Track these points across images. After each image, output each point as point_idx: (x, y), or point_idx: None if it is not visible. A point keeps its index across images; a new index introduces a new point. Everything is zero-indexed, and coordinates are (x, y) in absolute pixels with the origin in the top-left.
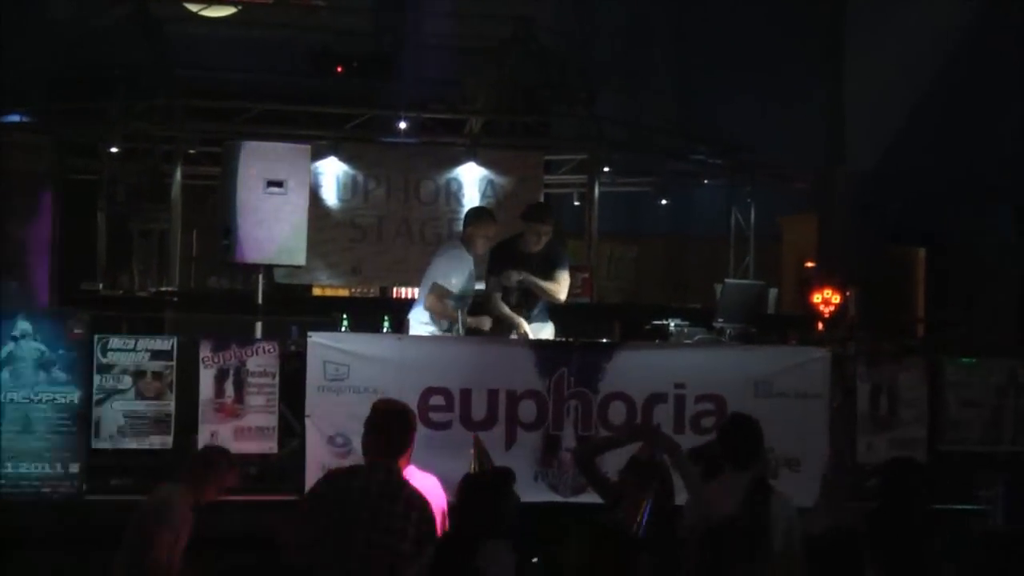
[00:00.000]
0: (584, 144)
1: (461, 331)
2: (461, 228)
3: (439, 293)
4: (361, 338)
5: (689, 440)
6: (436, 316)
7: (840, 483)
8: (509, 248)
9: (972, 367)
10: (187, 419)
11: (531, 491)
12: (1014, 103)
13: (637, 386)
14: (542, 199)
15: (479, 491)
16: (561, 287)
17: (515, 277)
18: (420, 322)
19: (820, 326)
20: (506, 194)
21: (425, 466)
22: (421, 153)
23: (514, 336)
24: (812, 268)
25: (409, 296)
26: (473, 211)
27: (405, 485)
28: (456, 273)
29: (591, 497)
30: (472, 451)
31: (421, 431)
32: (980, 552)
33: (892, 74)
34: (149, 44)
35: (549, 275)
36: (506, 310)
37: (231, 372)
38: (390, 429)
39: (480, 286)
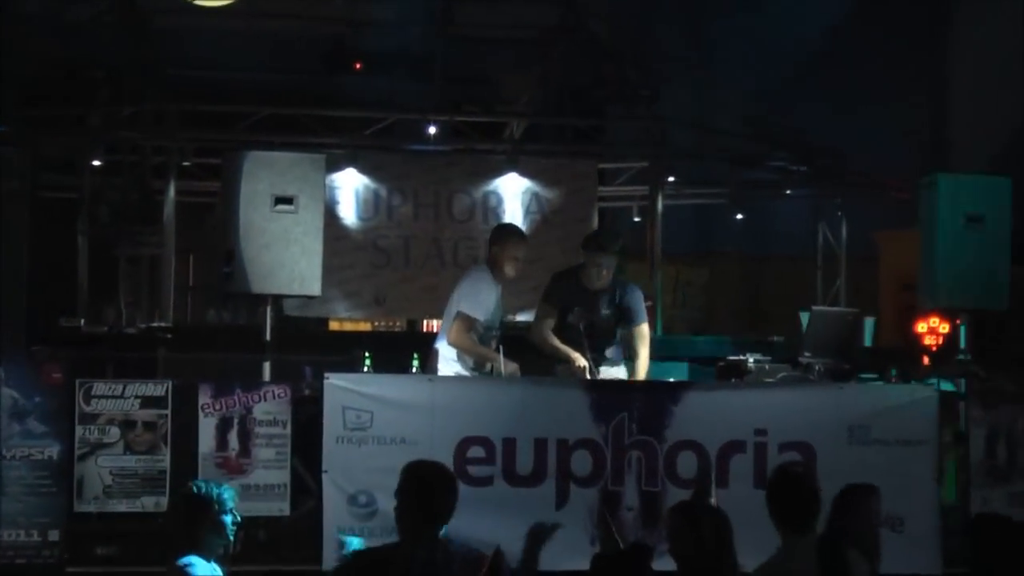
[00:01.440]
0: (645, 150)
1: (502, 368)
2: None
3: (465, 324)
4: (386, 380)
5: None
6: (463, 352)
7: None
8: (571, 281)
9: None
10: (184, 476)
11: (588, 557)
12: None
13: (710, 433)
14: (596, 215)
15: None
16: (642, 352)
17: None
18: (446, 359)
19: (926, 361)
20: (553, 209)
21: (462, 529)
22: (454, 163)
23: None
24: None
25: None
26: (499, 229)
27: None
28: (483, 300)
29: (664, 563)
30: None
31: (459, 487)
32: None
33: (1004, 68)
34: (135, 40)
35: (624, 324)
36: (558, 343)
37: (235, 421)
38: (431, 494)
39: (523, 317)
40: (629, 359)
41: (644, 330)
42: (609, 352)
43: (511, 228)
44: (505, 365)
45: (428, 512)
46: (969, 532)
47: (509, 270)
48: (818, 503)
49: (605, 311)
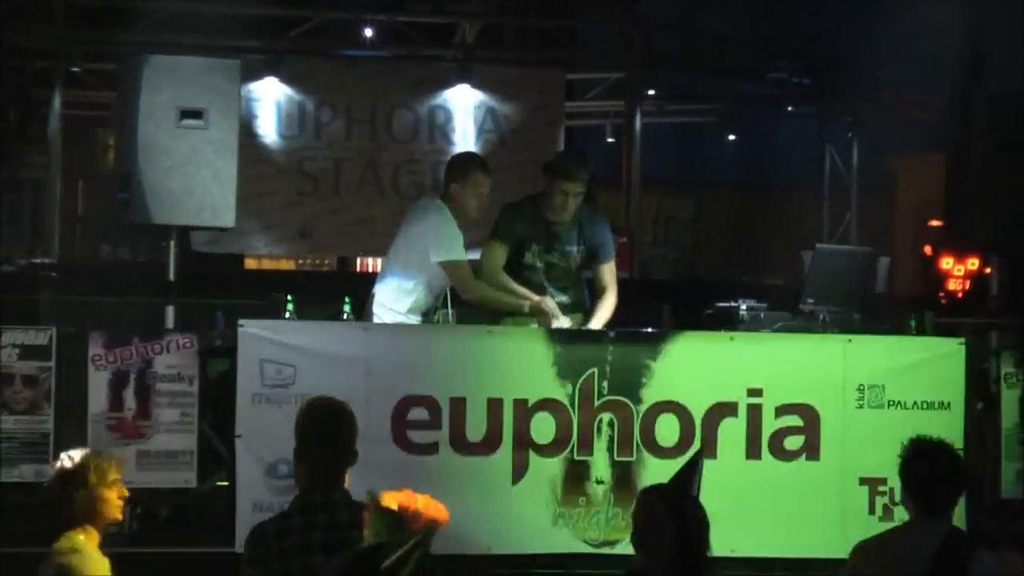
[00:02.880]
0: (621, 58)
1: (451, 318)
2: (443, 178)
3: (468, 273)
4: (312, 328)
5: (770, 469)
6: (493, 304)
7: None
8: (525, 213)
9: None
10: (71, 441)
11: (549, 538)
12: None
13: (695, 393)
14: (562, 135)
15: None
16: (611, 292)
17: (550, 303)
18: (383, 305)
19: (950, 308)
20: (512, 128)
21: None
22: (394, 72)
23: (534, 321)
24: (938, 228)
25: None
26: (460, 162)
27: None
28: (458, 239)
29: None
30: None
31: (397, 456)
32: None
33: None
34: None
35: (589, 263)
36: (515, 285)
37: (132, 376)
38: (338, 437)
39: (472, 255)
40: (591, 305)
41: (612, 268)
42: (568, 297)
43: (475, 161)
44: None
45: (335, 455)
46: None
47: (471, 209)
48: (959, 483)
49: (569, 247)
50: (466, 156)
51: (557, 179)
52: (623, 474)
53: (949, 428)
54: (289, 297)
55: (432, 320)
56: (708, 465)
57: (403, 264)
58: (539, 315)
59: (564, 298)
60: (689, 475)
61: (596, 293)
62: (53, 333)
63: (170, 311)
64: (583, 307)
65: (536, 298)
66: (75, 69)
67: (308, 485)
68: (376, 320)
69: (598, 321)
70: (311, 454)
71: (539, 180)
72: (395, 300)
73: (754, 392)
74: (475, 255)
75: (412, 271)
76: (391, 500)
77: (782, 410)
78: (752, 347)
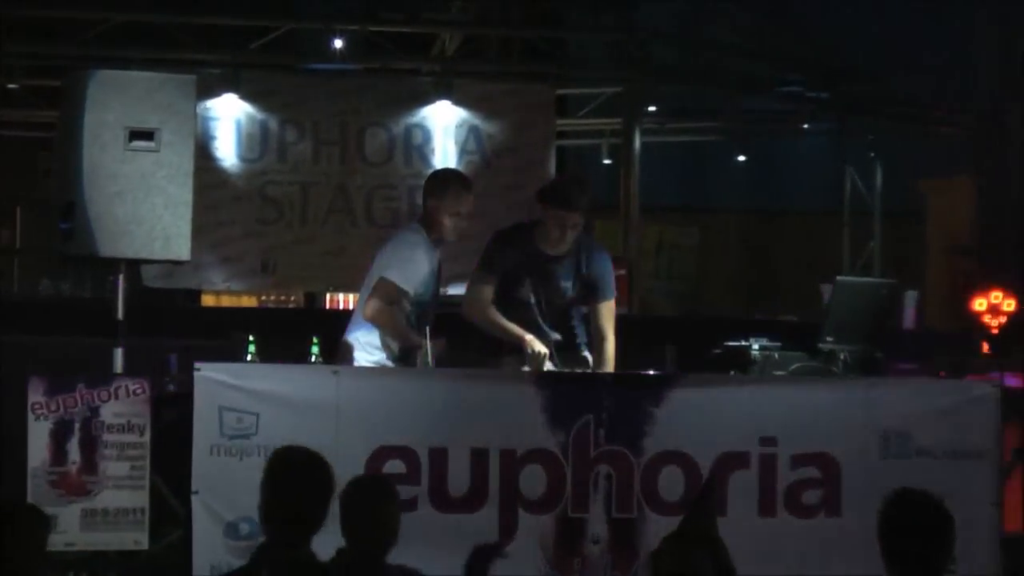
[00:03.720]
0: (617, 71)
1: (429, 359)
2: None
3: (388, 295)
4: (277, 372)
5: (786, 527)
6: (384, 331)
7: None
8: (518, 243)
9: None
10: (8, 498)
11: None
12: None
13: (702, 443)
14: (553, 157)
15: None
16: (610, 337)
17: (537, 346)
18: (366, 346)
19: (985, 348)
20: (498, 149)
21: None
22: (366, 87)
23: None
24: (971, 258)
25: (351, 306)
26: (437, 177)
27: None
28: (416, 268)
29: None
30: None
31: None
32: None
33: None
34: None
35: (587, 300)
36: (505, 322)
37: (76, 426)
38: (303, 492)
39: (456, 291)
40: (590, 345)
41: (612, 308)
42: (571, 336)
43: (454, 176)
44: (432, 347)
45: (300, 511)
46: None
47: (449, 230)
48: (950, 540)
49: (565, 283)
50: (445, 171)
51: (555, 208)
52: (622, 533)
53: (982, 480)
54: (251, 337)
55: (414, 360)
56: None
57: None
58: (533, 358)
59: (557, 336)
60: (705, 512)
61: (592, 336)
62: None
63: (118, 353)
64: (578, 347)
65: (523, 335)
66: (12, 86)
67: (275, 539)
68: (352, 360)
69: (603, 357)
70: (283, 507)
71: (528, 206)
72: (369, 337)
73: (767, 441)
74: (457, 290)
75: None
76: None
77: (799, 461)
78: (765, 391)
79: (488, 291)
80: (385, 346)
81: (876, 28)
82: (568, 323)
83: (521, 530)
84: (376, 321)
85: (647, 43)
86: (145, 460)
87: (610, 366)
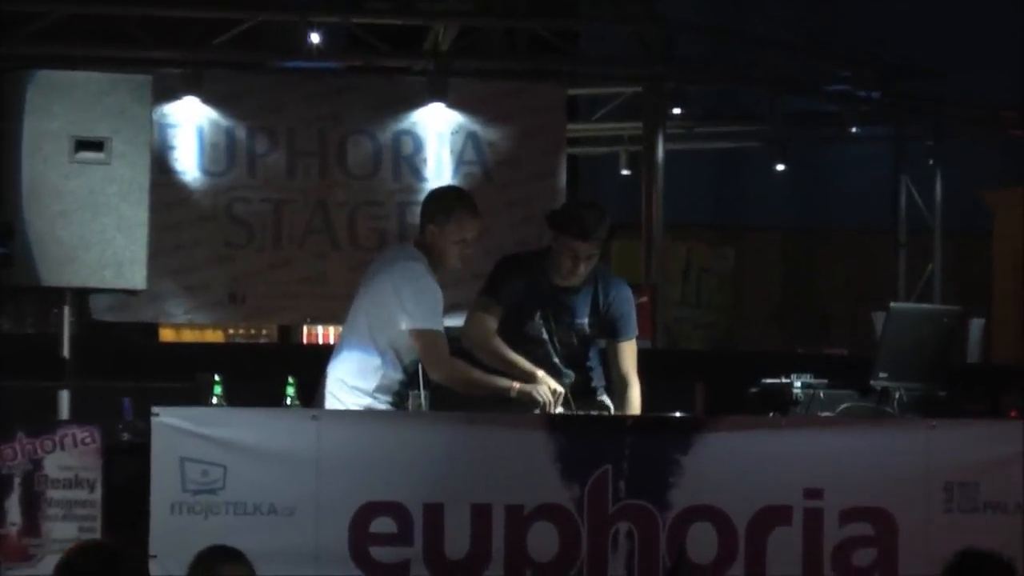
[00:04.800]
0: (637, 68)
1: (423, 401)
2: (415, 223)
3: (439, 347)
4: (247, 417)
5: None
6: (472, 387)
7: None
8: (528, 271)
9: None
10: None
11: None
12: None
13: (737, 496)
14: (564, 167)
15: None
16: (634, 382)
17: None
18: (352, 389)
19: None
20: (500, 159)
21: None
22: (348, 88)
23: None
24: None
25: (332, 340)
26: (439, 198)
27: None
28: (437, 305)
29: None
30: None
31: None
32: None
33: None
34: None
35: (605, 337)
36: (513, 355)
37: (16, 481)
38: None
39: (453, 322)
40: (609, 390)
41: (634, 347)
42: (584, 374)
43: (459, 197)
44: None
45: None
46: None
47: (453, 260)
48: None
49: (580, 320)
50: (448, 191)
51: (568, 238)
52: None
53: None
54: (217, 378)
55: (404, 404)
56: None
57: (366, 332)
58: (529, 402)
59: (572, 376)
60: None
61: (613, 381)
62: None
63: (64, 397)
64: (594, 390)
65: (535, 371)
66: None
67: None
68: (334, 404)
69: (628, 402)
70: None
71: (535, 226)
72: (358, 377)
73: (813, 494)
74: (454, 322)
75: (378, 340)
76: None
77: (848, 516)
78: (809, 436)
79: (493, 320)
80: (379, 387)
81: (936, 17)
82: (583, 363)
83: None
84: (459, 384)
85: (673, 35)
86: (96, 520)
87: (636, 408)
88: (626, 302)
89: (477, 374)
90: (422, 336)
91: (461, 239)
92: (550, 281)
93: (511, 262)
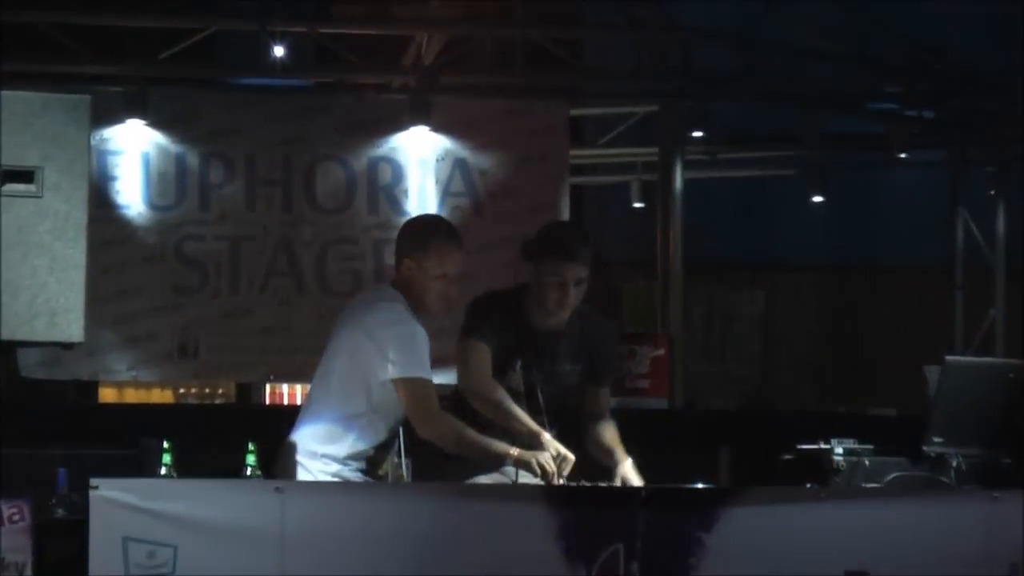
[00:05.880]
0: (652, 83)
1: (403, 471)
2: (393, 263)
3: (429, 397)
4: (201, 490)
5: None
6: (463, 448)
7: None
8: (507, 312)
9: None
10: None
11: None
12: None
13: None
14: (567, 198)
15: None
16: (609, 419)
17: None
18: (321, 456)
19: None
20: (493, 189)
21: None
22: (317, 108)
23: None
24: None
25: (298, 400)
26: (414, 229)
27: None
28: (425, 350)
29: None
30: None
31: None
32: None
33: None
34: None
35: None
36: (516, 409)
37: None
38: None
39: (443, 379)
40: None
41: (609, 392)
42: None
43: (434, 225)
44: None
45: None
46: None
47: (435, 299)
48: None
49: (568, 366)
50: (425, 219)
51: (553, 262)
52: None
53: None
54: (166, 444)
55: (380, 473)
56: None
57: (338, 390)
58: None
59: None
60: None
61: (586, 420)
62: None
63: None
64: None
65: (540, 432)
66: None
67: None
68: (302, 474)
69: (628, 468)
70: None
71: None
72: (328, 443)
73: None
74: (443, 379)
75: (352, 399)
76: None
77: None
78: (852, 510)
79: (487, 360)
80: (352, 455)
81: (997, 25)
82: (563, 419)
83: None
84: (447, 437)
85: (691, 46)
86: None
87: (633, 471)
88: (612, 343)
89: (472, 434)
90: (409, 385)
91: (442, 273)
92: (529, 324)
93: (490, 301)
